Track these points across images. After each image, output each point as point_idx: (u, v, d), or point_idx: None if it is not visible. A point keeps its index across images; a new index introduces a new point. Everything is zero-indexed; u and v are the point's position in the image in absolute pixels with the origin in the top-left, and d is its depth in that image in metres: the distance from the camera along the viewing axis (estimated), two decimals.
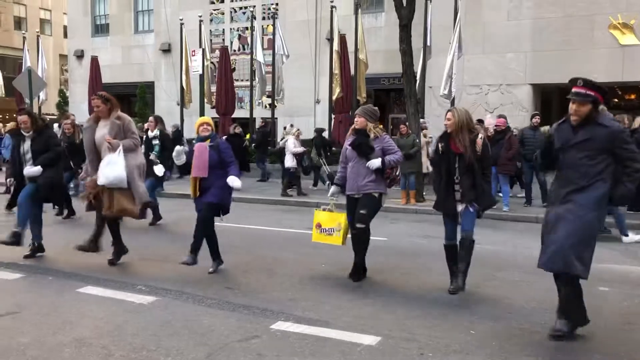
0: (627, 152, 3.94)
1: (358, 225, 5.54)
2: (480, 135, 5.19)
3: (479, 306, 4.97)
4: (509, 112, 14.48)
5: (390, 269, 6.23)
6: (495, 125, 10.74)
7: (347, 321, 4.54)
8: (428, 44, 14.39)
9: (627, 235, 7.91)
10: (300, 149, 13.23)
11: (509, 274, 6.06)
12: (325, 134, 15.00)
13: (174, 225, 8.94)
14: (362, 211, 5.52)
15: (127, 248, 6.40)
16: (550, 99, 19.30)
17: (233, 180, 5.91)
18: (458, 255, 5.30)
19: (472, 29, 15.81)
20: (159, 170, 8.81)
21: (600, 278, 5.85)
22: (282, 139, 14.59)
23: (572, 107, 4.01)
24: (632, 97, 21.39)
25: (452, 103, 12.72)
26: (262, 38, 19.15)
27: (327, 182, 13.27)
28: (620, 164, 3.95)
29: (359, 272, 5.70)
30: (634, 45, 14.92)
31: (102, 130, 6.13)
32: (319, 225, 5.91)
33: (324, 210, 5.99)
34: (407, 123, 11.56)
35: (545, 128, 10.80)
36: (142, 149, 7.31)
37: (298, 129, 14.05)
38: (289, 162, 13.06)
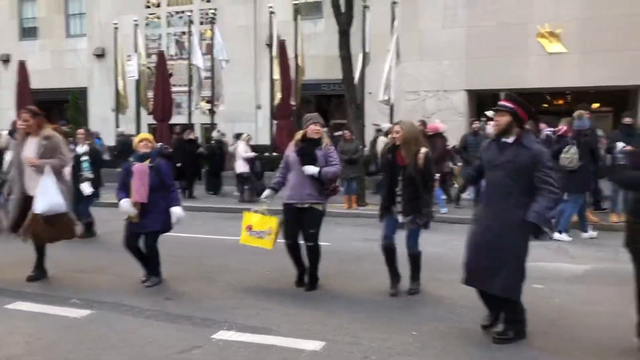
0: (545, 176, 3.97)
1: (309, 244, 5.55)
2: (423, 150, 5.24)
3: (421, 308, 5.04)
4: (445, 117, 14.86)
5: (334, 274, 6.23)
6: (428, 130, 11.02)
7: (291, 327, 4.50)
8: (367, 50, 14.60)
9: (560, 233, 8.28)
10: (252, 154, 13.13)
11: (450, 274, 6.16)
12: (226, 139, 14.89)
13: (108, 236, 8.61)
14: (311, 230, 5.51)
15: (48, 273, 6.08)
16: (485, 104, 19.97)
17: (176, 213, 5.75)
18: (409, 266, 5.49)
19: (409, 37, 16.16)
20: (86, 188, 8.44)
21: (535, 276, 6.05)
22: (230, 145, 14.36)
23: (494, 119, 4.16)
24: (560, 102, 22.43)
25: (392, 109, 12.97)
26: (200, 43, 18.88)
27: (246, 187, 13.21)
28: (537, 185, 3.99)
29: (314, 282, 5.69)
30: (561, 53, 15.67)
31: (29, 148, 5.80)
32: (249, 228, 5.78)
33: (256, 212, 5.85)
34: (351, 128, 11.69)
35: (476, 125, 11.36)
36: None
37: (248, 134, 13.92)
38: (241, 167, 12.90)
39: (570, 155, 7.98)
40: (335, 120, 18.61)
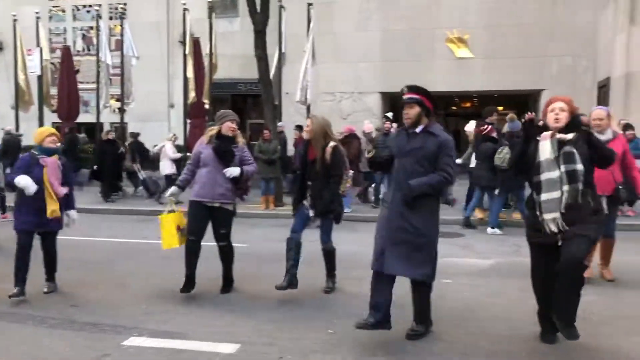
0: (444, 164, 4.12)
1: (220, 244, 5.45)
2: (331, 143, 5.28)
3: (337, 306, 5.09)
4: (360, 119, 15.13)
5: (251, 275, 6.16)
6: (345, 132, 11.25)
7: (206, 331, 4.40)
8: (283, 50, 14.59)
9: (492, 228, 8.79)
10: (179, 155, 12.73)
11: (364, 272, 6.22)
12: (140, 139, 14.44)
13: (6, 242, 8.04)
14: (222, 231, 5.41)
15: None
16: (398, 106, 20.48)
17: (72, 216, 5.54)
18: (325, 262, 5.54)
19: (326, 38, 16.34)
20: None
21: (444, 271, 6.29)
22: (155, 146, 13.79)
23: (403, 112, 4.26)
24: (468, 105, 23.50)
25: (308, 110, 13.03)
26: (109, 39, 18.08)
27: (140, 188, 12.91)
28: (437, 169, 4.14)
29: (229, 284, 5.61)
30: (468, 58, 16.43)
31: None
32: (179, 228, 5.55)
33: (170, 212, 5.54)
34: (269, 128, 11.64)
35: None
36: None
37: (174, 134, 13.48)
38: (168, 168, 12.46)
39: (503, 156, 8.42)
40: (251, 120, 18.45)
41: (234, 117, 5.54)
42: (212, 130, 5.52)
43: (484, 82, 16.43)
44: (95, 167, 13.20)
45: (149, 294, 5.46)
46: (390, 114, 12.95)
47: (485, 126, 9.29)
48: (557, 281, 3.83)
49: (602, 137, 5.32)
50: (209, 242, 5.52)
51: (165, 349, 4.03)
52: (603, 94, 14.60)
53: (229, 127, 5.43)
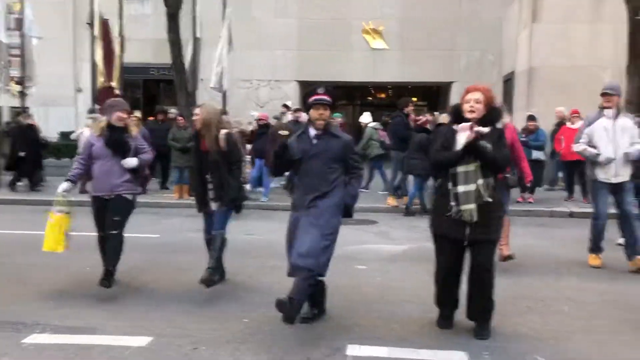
0: (354, 162, 4.37)
1: (111, 232, 5.07)
2: (223, 131, 5.13)
3: (252, 295, 5.06)
4: (278, 107, 15.06)
5: (163, 267, 6.00)
6: (259, 120, 11.15)
7: (116, 325, 4.23)
8: (198, 35, 14.22)
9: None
10: None
11: (280, 261, 6.22)
12: (45, 124, 13.60)
13: None
14: (115, 218, 5.08)
15: None
16: None
17: None
18: (209, 251, 5.25)
19: (243, 25, 16.07)
20: None
21: (358, 258, 6.45)
22: (74, 132, 12.89)
23: (317, 112, 4.20)
24: (383, 95, 24.03)
25: (224, 96, 12.82)
26: (8, 17, 16.81)
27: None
28: (348, 170, 4.33)
29: (109, 277, 5.03)
30: (383, 49, 16.77)
31: None
32: (65, 232, 5.11)
33: (60, 213, 5.13)
34: (183, 115, 11.32)
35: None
36: None
37: (95, 117, 12.66)
38: None
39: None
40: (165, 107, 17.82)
41: (124, 106, 5.30)
42: (101, 122, 5.24)
43: (398, 74, 16.85)
44: (21, 153, 11.97)
45: (53, 289, 5.18)
46: (289, 103, 13.07)
47: (422, 117, 9.71)
48: (469, 286, 4.13)
49: None
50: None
51: (70, 345, 3.84)
52: (508, 87, 15.41)
53: (118, 117, 5.14)
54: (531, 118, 10.96)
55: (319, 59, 16.75)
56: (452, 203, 3.93)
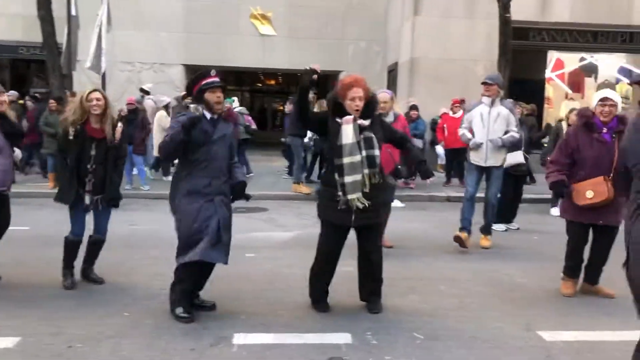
0: (235, 149, 4.44)
1: None
2: (120, 124, 4.83)
3: (134, 288, 4.85)
4: (162, 91, 14.47)
5: (34, 261, 5.57)
6: (127, 104, 10.66)
7: None
8: (73, 13, 13.26)
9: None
10: None
11: (164, 251, 6.05)
12: None
13: None
14: None
15: None
16: None
17: None
18: (88, 254, 4.97)
19: (124, 4, 15.23)
20: None
21: (248, 245, 6.40)
22: None
23: (214, 95, 4.07)
24: (272, 82, 23.98)
25: (103, 79, 12.08)
26: None
27: None
28: (233, 154, 4.32)
29: None
30: (272, 35, 16.68)
31: None
32: None
33: None
34: (56, 99, 10.53)
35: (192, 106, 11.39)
36: None
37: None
38: None
39: None
40: (35, 89, 16.53)
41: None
42: None
43: (287, 61, 16.86)
44: None
45: None
46: (147, 86, 12.65)
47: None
48: (359, 270, 4.37)
49: (386, 120, 5.81)
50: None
51: None
52: (392, 77, 15.98)
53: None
54: (414, 107, 11.48)
55: (206, 43, 16.32)
56: (339, 193, 4.03)
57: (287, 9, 16.63)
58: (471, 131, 6.43)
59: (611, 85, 13.68)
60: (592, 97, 4.95)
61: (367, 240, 4.26)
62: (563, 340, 3.88)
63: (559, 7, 13.58)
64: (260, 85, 25.19)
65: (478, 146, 6.32)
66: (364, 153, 4.02)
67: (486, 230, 6.61)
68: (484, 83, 6.37)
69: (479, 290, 5.01)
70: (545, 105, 14.43)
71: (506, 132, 6.32)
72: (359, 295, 4.42)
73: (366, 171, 4.03)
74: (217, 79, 4.12)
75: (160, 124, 11.25)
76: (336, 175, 4.05)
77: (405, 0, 14.66)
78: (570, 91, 14.82)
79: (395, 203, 9.32)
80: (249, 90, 23.83)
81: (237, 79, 24.49)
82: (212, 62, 16.72)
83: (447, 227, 7.59)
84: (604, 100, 4.53)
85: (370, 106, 4.14)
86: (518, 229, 7.70)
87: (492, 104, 6.32)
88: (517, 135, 6.41)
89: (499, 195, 6.68)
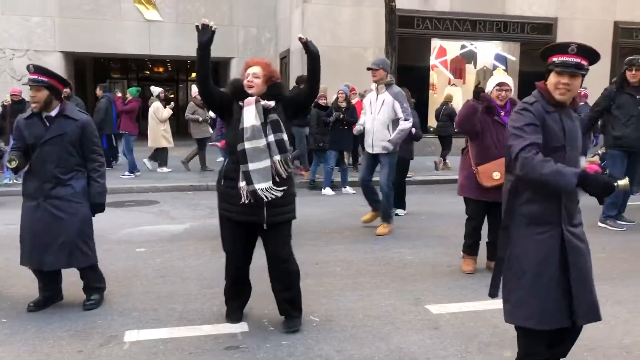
0: (93, 145, 4.08)
1: None
2: None
3: (12, 292, 4.50)
4: None
5: None
6: (11, 95, 9.90)
7: None
8: None
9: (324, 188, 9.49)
10: None
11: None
12: None
13: None
14: None
15: None
16: (84, 68, 18.96)
17: None
18: None
19: None
20: None
21: (138, 240, 6.16)
22: None
23: (32, 94, 3.93)
24: (161, 69, 23.15)
25: None
26: None
27: None
28: (88, 157, 4.07)
29: None
30: (158, 21, 16.03)
31: None
32: None
33: None
34: None
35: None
36: None
37: None
38: None
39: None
40: None
41: None
42: None
43: (175, 47, 16.31)
44: None
45: None
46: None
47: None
48: (271, 275, 3.79)
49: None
50: None
51: None
52: (284, 64, 15.98)
53: None
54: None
55: (86, 28, 15.37)
56: (242, 183, 3.53)
57: None
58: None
59: (489, 72, 14.63)
60: (473, 82, 5.21)
61: (276, 239, 3.70)
62: (449, 312, 4.11)
63: None
64: (148, 72, 24.19)
65: (359, 132, 6.45)
66: (270, 138, 3.55)
67: (383, 217, 6.64)
68: (369, 69, 6.36)
69: (372, 269, 5.18)
70: (431, 91, 15.13)
71: (397, 121, 6.30)
72: (278, 309, 3.90)
73: (277, 157, 3.55)
74: (34, 77, 3.92)
75: (157, 115, 10.98)
76: (238, 163, 3.57)
77: None
78: (452, 77, 15.64)
79: (347, 189, 9.50)
80: (135, 79, 22.78)
81: (122, 67, 23.35)
82: (93, 49, 15.86)
83: (341, 212, 7.77)
84: (500, 85, 4.73)
85: (272, 90, 3.70)
86: (396, 214, 7.55)
87: (378, 90, 6.37)
88: (407, 126, 6.29)
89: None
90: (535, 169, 2.55)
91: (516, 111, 2.75)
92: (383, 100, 6.33)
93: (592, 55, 2.68)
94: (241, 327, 3.80)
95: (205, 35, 3.66)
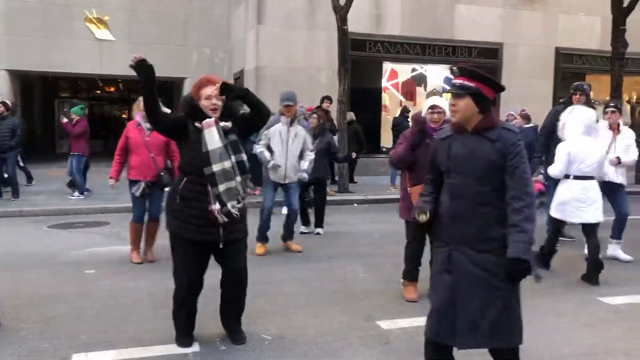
0: None
1: None
2: None
3: None
4: None
5: None
6: None
7: None
8: None
9: None
10: None
11: None
12: None
13: None
14: None
15: None
16: (32, 86, 18.53)
17: None
18: None
19: None
20: None
21: (85, 262, 6.06)
22: None
23: None
24: (112, 89, 22.80)
25: None
26: None
27: None
28: None
29: None
30: (109, 40, 15.84)
31: None
32: None
33: None
34: None
35: None
36: None
37: None
38: None
39: None
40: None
41: None
42: None
43: (127, 67, 15.94)
44: None
45: None
46: None
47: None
48: (226, 293, 3.85)
49: (150, 125, 5.35)
50: None
51: None
52: (238, 85, 16.04)
53: None
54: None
55: (35, 47, 15.04)
56: (215, 206, 3.56)
57: (125, 13, 15.93)
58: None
59: (439, 94, 15.08)
60: (423, 105, 5.33)
61: (236, 255, 3.77)
62: (399, 327, 4.21)
63: (391, 21, 14.65)
64: (99, 92, 23.79)
65: (276, 168, 6.41)
66: (233, 159, 3.62)
67: (289, 237, 6.81)
68: (286, 105, 6.38)
69: (326, 287, 5.24)
70: (383, 112, 15.45)
71: (302, 153, 6.52)
72: (220, 320, 3.97)
73: (238, 179, 3.63)
74: None
75: None
76: (208, 186, 3.57)
77: (248, 8, 14.82)
78: (403, 99, 16.02)
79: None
80: (87, 98, 22.36)
81: (72, 86, 22.89)
82: (42, 67, 15.55)
83: (297, 230, 7.81)
84: (432, 107, 4.80)
85: (231, 107, 3.72)
86: (318, 233, 7.76)
87: (291, 123, 6.44)
88: (313, 156, 6.68)
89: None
90: None
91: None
92: (296, 133, 6.47)
93: (476, 76, 2.76)
94: (193, 347, 3.78)
95: (145, 72, 3.56)
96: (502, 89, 2.91)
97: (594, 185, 5.51)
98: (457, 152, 2.78)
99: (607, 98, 11.38)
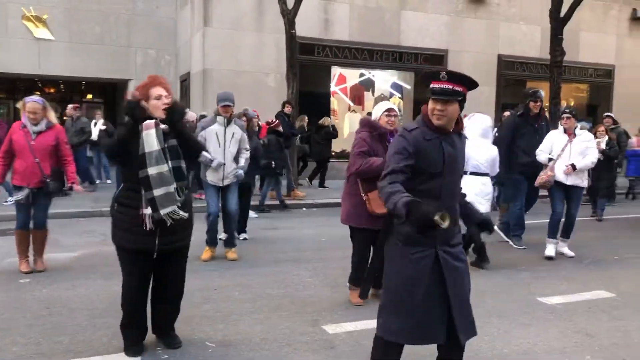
0: None
1: None
2: None
3: None
4: None
5: None
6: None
7: None
8: None
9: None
10: None
11: None
12: None
13: None
14: None
15: None
16: None
17: None
18: None
19: None
20: None
21: (19, 271, 5.76)
22: None
23: None
24: (52, 90, 21.98)
25: None
26: None
27: None
28: None
29: None
30: (48, 39, 15.27)
31: None
32: None
33: None
34: None
35: None
36: None
37: None
38: None
39: None
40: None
41: None
42: None
43: (67, 67, 15.60)
44: None
45: None
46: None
47: (273, 120, 10.27)
48: (158, 300, 3.77)
49: (36, 128, 5.51)
50: None
51: None
52: (185, 87, 15.76)
53: None
54: (203, 117, 11.44)
55: None
56: (146, 210, 3.45)
57: (65, 12, 15.39)
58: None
59: (386, 99, 15.28)
60: (372, 109, 5.31)
61: (176, 263, 3.72)
62: (345, 331, 4.20)
63: (339, 26, 14.73)
64: (39, 93, 22.87)
65: (220, 166, 6.28)
66: (170, 164, 3.49)
67: (231, 243, 6.61)
68: (225, 105, 6.27)
69: (271, 292, 5.17)
70: (332, 117, 15.52)
71: (237, 152, 6.41)
72: (152, 328, 3.86)
73: (173, 185, 3.50)
74: None
75: None
76: (142, 190, 3.45)
77: (194, 10, 14.59)
78: (352, 104, 16.15)
79: (251, 214, 9.27)
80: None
81: (9, 87, 21.90)
82: None
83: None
84: (389, 110, 4.80)
85: (173, 112, 3.50)
86: (245, 239, 7.64)
87: (228, 123, 6.35)
88: (246, 155, 6.49)
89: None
90: (384, 199, 2.68)
91: (395, 136, 2.91)
92: (233, 133, 6.37)
93: (465, 81, 2.77)
94: (135, 357, 3.65)
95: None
96: (476, 86, 2.89)
97: (487, 181, 6.12)
98: (450, 152, 2.81)
99: (547, 104, 11.78)
